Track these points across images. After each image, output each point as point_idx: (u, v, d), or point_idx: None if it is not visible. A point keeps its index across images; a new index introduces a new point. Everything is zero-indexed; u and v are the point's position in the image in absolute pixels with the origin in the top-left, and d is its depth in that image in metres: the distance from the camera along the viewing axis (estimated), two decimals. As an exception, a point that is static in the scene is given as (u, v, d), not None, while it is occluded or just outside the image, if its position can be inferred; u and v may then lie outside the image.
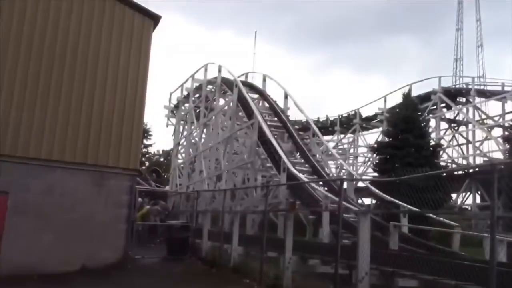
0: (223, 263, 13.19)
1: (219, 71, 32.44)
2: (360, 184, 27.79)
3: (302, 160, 25.11)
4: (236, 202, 24.73)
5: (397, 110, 31.98)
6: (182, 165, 38.40)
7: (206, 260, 14.24)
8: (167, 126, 42.76)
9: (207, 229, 15.79)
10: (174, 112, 42.09)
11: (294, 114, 35.58)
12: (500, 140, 34.08)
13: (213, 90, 34.09)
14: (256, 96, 31.83)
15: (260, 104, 31.73)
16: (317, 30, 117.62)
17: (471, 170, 31.03)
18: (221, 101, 33.76)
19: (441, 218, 16.00)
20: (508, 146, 29.70)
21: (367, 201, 28.97)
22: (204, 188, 28.72)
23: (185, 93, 38.70)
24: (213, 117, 32.63)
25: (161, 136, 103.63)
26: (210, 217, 17.93)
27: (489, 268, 6.08)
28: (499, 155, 35.03)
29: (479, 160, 36.58)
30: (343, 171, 38.62)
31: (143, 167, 46.51)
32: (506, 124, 34.48)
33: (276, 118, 28.84)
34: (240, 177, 28.76)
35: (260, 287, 10.53)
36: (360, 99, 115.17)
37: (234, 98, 28.55)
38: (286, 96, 29.67)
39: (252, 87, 32.98)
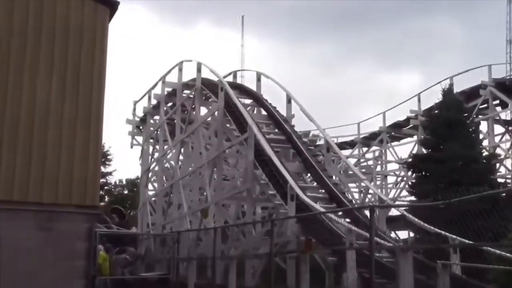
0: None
1: (199, 70, 32.51)
2: (392, 212, 27.74)
3: (315, 184, 25.05)
4: (230, 245, 24.58)
5: (436, 112, 32.03)
6: (154, 198, 38.23)
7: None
8: (131, 147, 42.70)
9: (193, 282, 15.71)
10: (141, 127, 42.03)
11: (300, 124, 35.62)
12: None
13: (191, 96, 34.13)
14: (249, 101, 31.86)
15: (255, 112, 31.80)
16: (323, 14, 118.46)
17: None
18: (203, 110, 33.79)
19: (503, 253, 15.93)
20: None
21: (402, 234, 28.89)
22: (186, 228, 28.57)
23: (154, 101, 38.70)
24: (193, 132, 32.61)
25: (123, 161, 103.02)
26: (196, 266, 17.84)
27: None
28: None
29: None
30: (369, 195, 38.74)
31: (101, 203, 46.32)
32: None
33: (277, 130, 28.83)
34: (233, 210, 28.65)
35: None
36: (388, 100, 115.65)
37: (220, 105, 28.57)
38: (289, 100, 29.73)
39: (243, 90, 33.05)
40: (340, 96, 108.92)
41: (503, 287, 14.92)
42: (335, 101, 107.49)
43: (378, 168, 44.15)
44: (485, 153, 31.35)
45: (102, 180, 51.77)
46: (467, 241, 13.27)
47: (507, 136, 40.65)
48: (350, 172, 28.30)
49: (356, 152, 45.13)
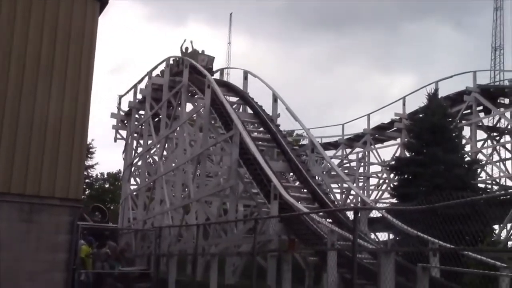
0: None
1: (186, 67, 32.47)
2: (373, 213, 27.87)
3: (298, 183, 25.12)
4: (211, 241, 24.59)
5: (421, 116, 32.24)
6: (136, 193, 38.13)
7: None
8: (115, 141, 42.52)
9: (174, 278, 15.70)
10: (125, 122, 41.88)
11: (286, 123, 35.71)
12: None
13: (177, 92, 34.06)
14: (235, 99, 31.86)
15: (241, 110, 31.81)
16: (316, 13, 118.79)
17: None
18: (189, 107, 33.76)
19: (482, 257, 16.09)
20: None
21: (382, 235, 29.04)
22: (167, 223, 28.52)
23: (139, 96, 38.60)
24: (178, 128, 32.55)
25: (106, 155, 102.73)
26: (177, 262, 17.83)
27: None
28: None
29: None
30: (351, 196, 38.88)
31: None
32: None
33: (262, 129, 28.86)
34: (215, 207, 28.65)
35: None
36: (380, 101, 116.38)
37: (207, 102, 28.55)
38: (275, 100, 29.76)
39: (230, 88, 33.04)
40: (331, 96, 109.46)
41: (478, 288, 15.12)
42: (326, 101, 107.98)
43: (361, 170, 44.36)
44: (467, 158, 31.60)
45: (84, 173, 51.57)
46: (447, 245, 13.37)
47: (489, 142, 41.02)
48: (333, 173, 28.41)
49: (339, 153, 45.28)
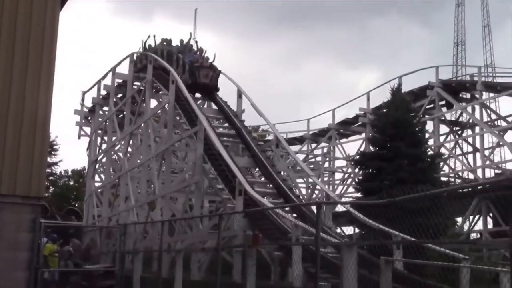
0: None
1: (150, 62, 32.30)
2: (338, 207, 28.13)
3: (263, 179, 25.22)
4: (177, 238, 24.56)
5: (384, 110, 32.57)
6: (101, 190, 37.85)
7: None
8: (79, 138, 42.18)
9: (139, 275, 15.65)
10: (89, 118, 41.53)
11: (251, 119, 35.78)
12: (515, 146, 35.26)
13: (141, 88, 33.89)
14: (199, 95, 31.83)
15: (206, 106, 31.79)
16: (282, 10, 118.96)
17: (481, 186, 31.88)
18: (153, 103, 33.59)
19: (444, 250, 16.39)
20: (525, 154, 30.71)
21: (347, 230, 29.34)
22: (132, 220, 28.39)
23: (103, 92, 38.30)
24: (143, 124, 32.39)
25: (70, 151, 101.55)
26: (142, 259, 17.77)
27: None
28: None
29: (489, 173, 37.69)
30: (316, 191, 39.17)
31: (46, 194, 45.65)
32: (522, 126, 35.70)
33: (227, 124, 28.88)
34: (180, 203, 28.60)
35: None
36: (346, 97, 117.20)
37: (171, 98, 28.44)
38: (240, 95, 29.78)
39: (194, 84, 32.99)
40: (298, 92, 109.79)
41: (441, 280, 15.41)
42: (292, 97, 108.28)
43: (326, 165, 44.70)
44: (430, 152, 32.04)
45: (47, 170, 50.93)
46: (409, 237, 13.58)
47: (451, 136, 41.69)
48: (299, 168, 28.63)
49: (305, 148, 45.56)
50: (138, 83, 34.50)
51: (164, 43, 34.27)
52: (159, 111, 31.85)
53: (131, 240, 20.96)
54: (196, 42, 34.79)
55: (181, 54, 31.06)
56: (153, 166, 29.91)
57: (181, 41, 33.44)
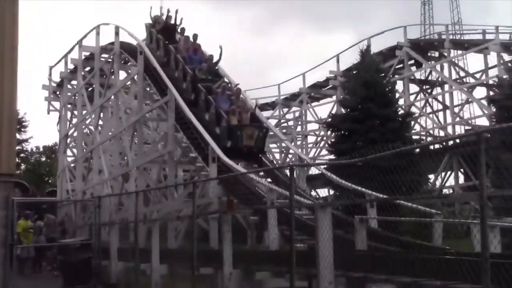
0: (141, 289, 13.19)
1: (117, 33, 31.82)
2: (312, 170, 28.33)
3: (237, 146, 25.21)
4: (152, 208, 24.57)
5: (354, 72, 32.71)
6: (73, 165, 37.62)
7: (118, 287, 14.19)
8: (48, 113, 41.78)
9: (115, 247, 15.68)
10: (58, 93, 41.04)
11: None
12: (484, 102, 35.72)
13: (109, 60, 33.51)
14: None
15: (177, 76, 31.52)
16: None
17: (450, 143, 32.35)
18: (122, 75, 33.24)
19: (416, 206, 16.68)
20: (494, 109, 31.15)
21: (322, 192, 29.65)
22: (107, 193, 28.30)
23: (71, 66, 37.77)
24: (112, 97, 32.10)
25: (40, 127, 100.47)
26: (119, 231, 17.79)
27: (480, 261, 6.42)
28: (483, 121, 36.85)
29: (460, 130, 38.26)
30: (290, 155, 39.35)
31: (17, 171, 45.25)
32: (490, 82, 36.12)
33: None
34: (154, 174, 28.56)
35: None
36: (319, 60, 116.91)
37: (140, 69, 28.18)
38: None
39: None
40: (269, 58, 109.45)
41: (415, 235, 15.74)
42: (263, 63, 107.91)
43: (299, 129, 44.91)
44: (401, 111, 32.35)
45: (18, 147, 50.50)
46: (381, 195, 13.78)
47: (421, 95, 42.08)
48: (271, 133, 28.62)
49: (276, 113, 45.63)
50: (106, 55, 34.06)
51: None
52: (129, 83, 31.54)
53: (106, 213, 20.96)
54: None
55: (211, 96, 22.91)
56: (125, 138, 29.75)
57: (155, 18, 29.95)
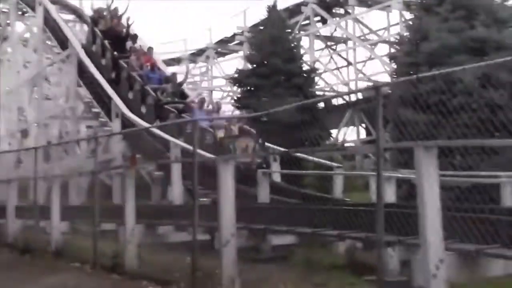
0: (41, 246, 12.89)
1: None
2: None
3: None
4: (53, 164, 23.92)
5: (261, 28, 32.75)
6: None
7: (15, 246, 13.81)
8: None
9: (13, 205, 15.20)
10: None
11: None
12: (386, 59, 36.63)
13: (5, 10, 32.03)
14: (71, 17, 30.51)
15: (78, 29, 30.54)
16: None
17: (354, 99, 33.17)
18: (20, 26, 31.87)
19: (318, 160, 17.08)
20: (394, 66, 31.98)
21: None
22: (4, 149, 27.32)
23: (-38, 17, 35.80)
24: (9, 49, 30.79)
25: None
26: (17, 189, 17.22)
27: (376, 210, 6.62)
28: (385, 78, 37.86)
29: (362, 85, 39.21)
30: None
31: None
32: (392, 39, 37.00)
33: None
34: (56, 130, 27.80)
35: (96, 270, 10.50)
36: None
37: (39, 21, 27.09)
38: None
39: (63, 5, 31.46)
40: (174, 13, 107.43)
41: (316, 188, 16.19)
42: (169, 18, 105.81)
43: (205, 84, 44.75)
44: (306, 67, 32.74)
45: None
46: (281, 148, 14.00)
47: (326, 51, 42.74)
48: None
49: (183, 68, 45.13)
50: (0, 5, 32.48)
51: None
52: (27, 35, 30.36)
53: (3, 170, 20.29)
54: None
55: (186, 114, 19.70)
56: (24, 93, 28.72)
57: None
